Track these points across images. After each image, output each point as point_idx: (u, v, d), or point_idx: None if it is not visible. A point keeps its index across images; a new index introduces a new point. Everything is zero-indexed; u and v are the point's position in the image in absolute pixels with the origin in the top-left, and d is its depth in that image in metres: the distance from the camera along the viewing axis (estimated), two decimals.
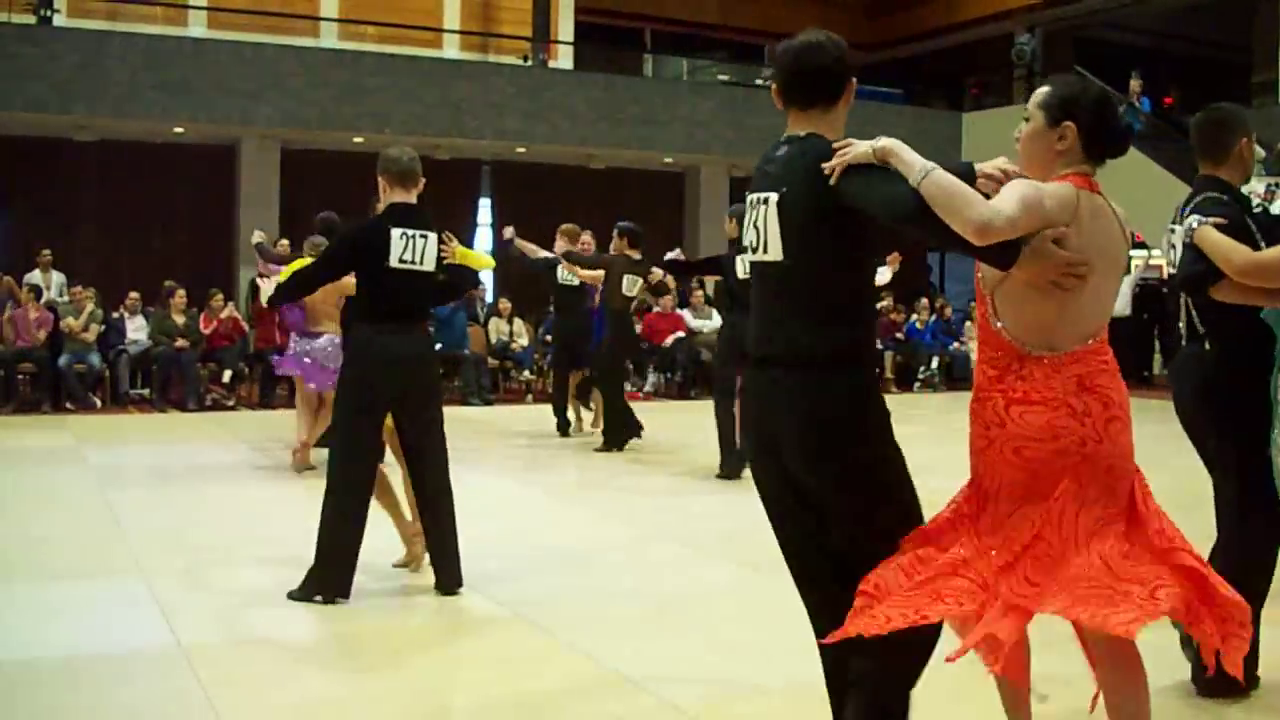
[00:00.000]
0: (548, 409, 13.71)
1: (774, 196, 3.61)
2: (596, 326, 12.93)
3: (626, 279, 12.04)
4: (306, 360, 10.18)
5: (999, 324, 3.54)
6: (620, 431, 12.13)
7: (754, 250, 3.72)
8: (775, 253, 3.62)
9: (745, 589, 6.83)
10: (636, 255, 12.15)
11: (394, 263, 6.35)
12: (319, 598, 6.29)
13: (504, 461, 11.75)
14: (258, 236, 12.74)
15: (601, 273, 12.13)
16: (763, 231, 3.66)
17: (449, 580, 6.53)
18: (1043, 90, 3.69)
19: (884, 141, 3.42)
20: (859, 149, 3.45)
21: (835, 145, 3.52)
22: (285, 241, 15.82)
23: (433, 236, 6.51)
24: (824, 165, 3.48)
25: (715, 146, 22.16)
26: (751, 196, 3.72)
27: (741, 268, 9.72)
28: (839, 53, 3.71)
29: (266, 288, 7.46)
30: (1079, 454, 3.42)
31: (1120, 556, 3.38)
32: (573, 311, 13.25)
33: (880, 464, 3.60)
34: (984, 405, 3.56)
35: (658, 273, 12.03)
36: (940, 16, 26.33)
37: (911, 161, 3.35)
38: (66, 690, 5.10)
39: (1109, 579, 3.32)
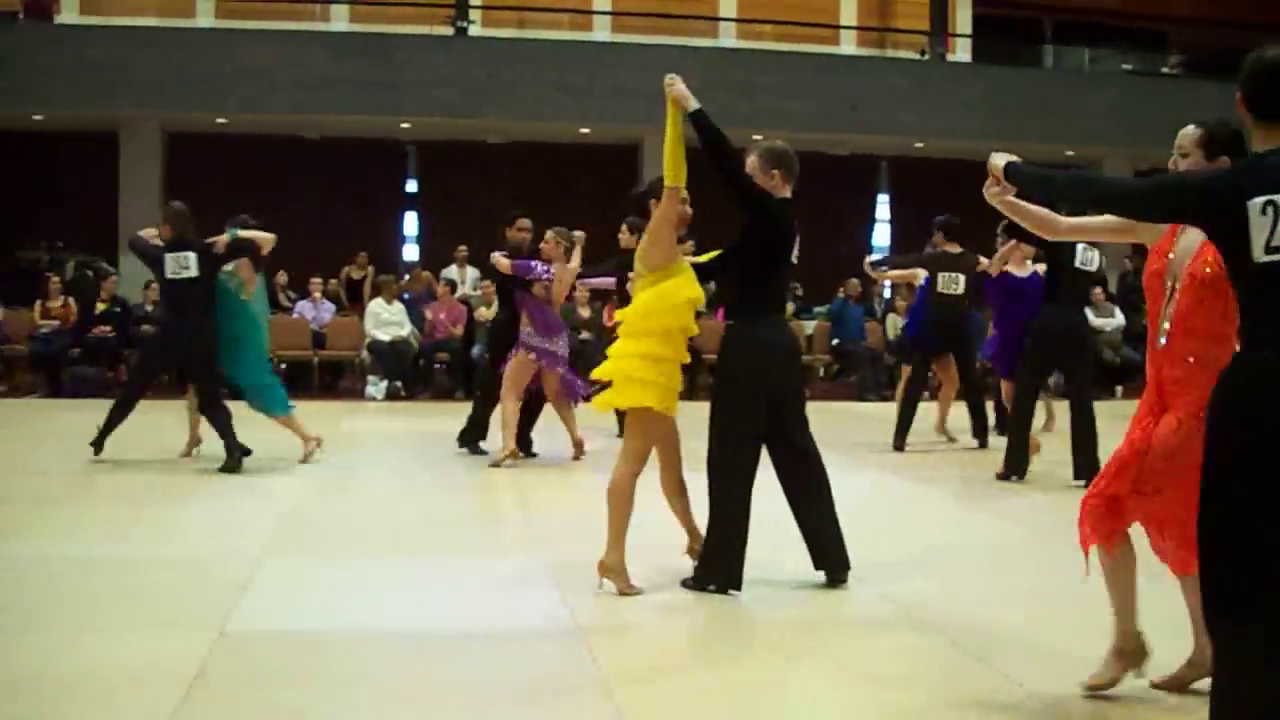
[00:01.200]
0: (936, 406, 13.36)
1: None
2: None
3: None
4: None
5: None
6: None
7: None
8: None
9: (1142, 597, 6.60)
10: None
11: (793, 257, 6.45)
12: (712, 587, 6.40)
13: (897, 458, 11.71)
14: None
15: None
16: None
17: (835, 566, 6.56)
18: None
19: None
20: None
21: None
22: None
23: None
24: None
25: (1117, 138, 21.40)
26: (1259, 200, 3.55)
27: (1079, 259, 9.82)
28: None
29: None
30: None
31: None
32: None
33: None
34: None
35: None
36: None
37: None
38: (469, 662, 5.38)
39: None
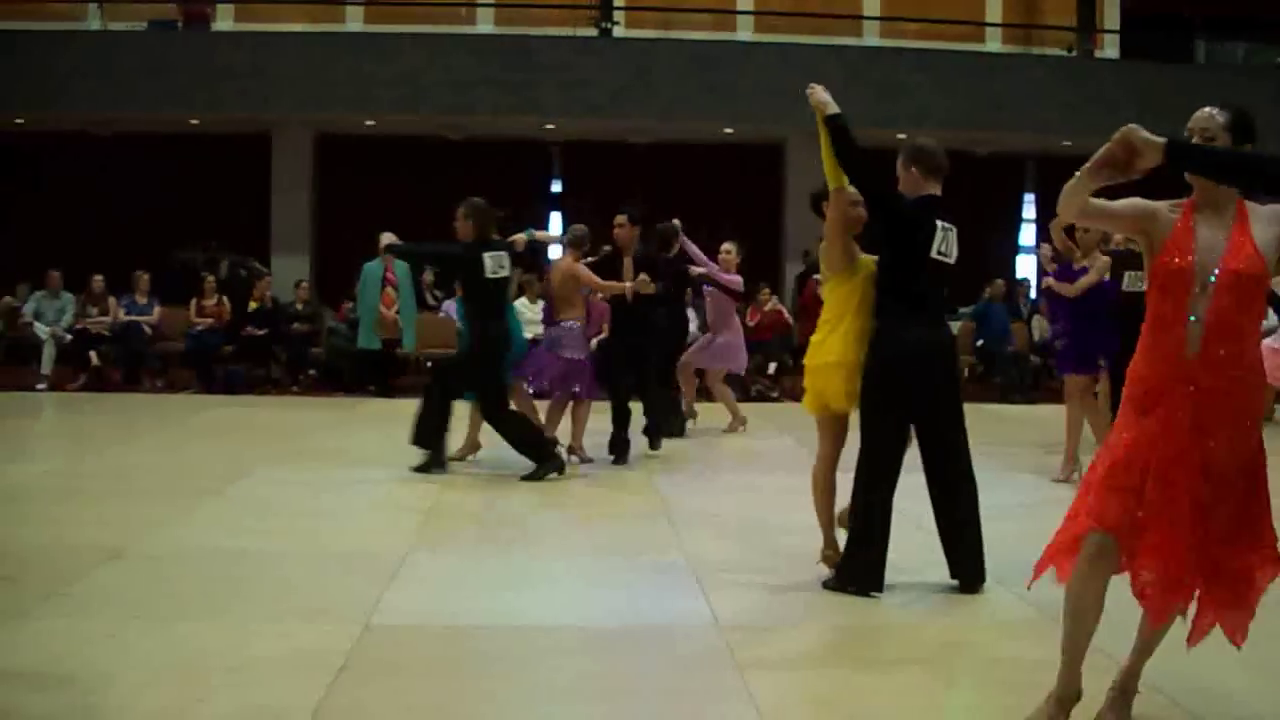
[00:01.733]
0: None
1: None
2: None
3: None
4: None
5: None
6: None
7: None
8: None
9: None
10: None
11: (934, 254, 6.39)
12: (852, 589, 6.41)
13: (1040, 460, 11.57)
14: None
15: None
16: None
17: (971, 576, 6.53)
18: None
19: None
20: None
21: None
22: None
23: (954, 230, 6.49)
24: None
25: (1273, 135, 20.81)
26: None
27: None
28: None
29: None
30: None
31: None
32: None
33: None
34: None
35: None
36: None
37: None
38: (608, 656, 5.48)
39: None
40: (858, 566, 6.44)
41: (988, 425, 12.65)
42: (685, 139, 20.74)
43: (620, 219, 11.07)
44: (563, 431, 10.79)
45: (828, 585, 6.51)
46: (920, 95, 19.46)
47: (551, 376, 10.53)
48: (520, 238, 10.45)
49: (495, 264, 9.94)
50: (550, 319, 10.93)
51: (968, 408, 6.68)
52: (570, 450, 10.67)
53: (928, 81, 19.58)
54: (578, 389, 10.54)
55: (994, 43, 21.65)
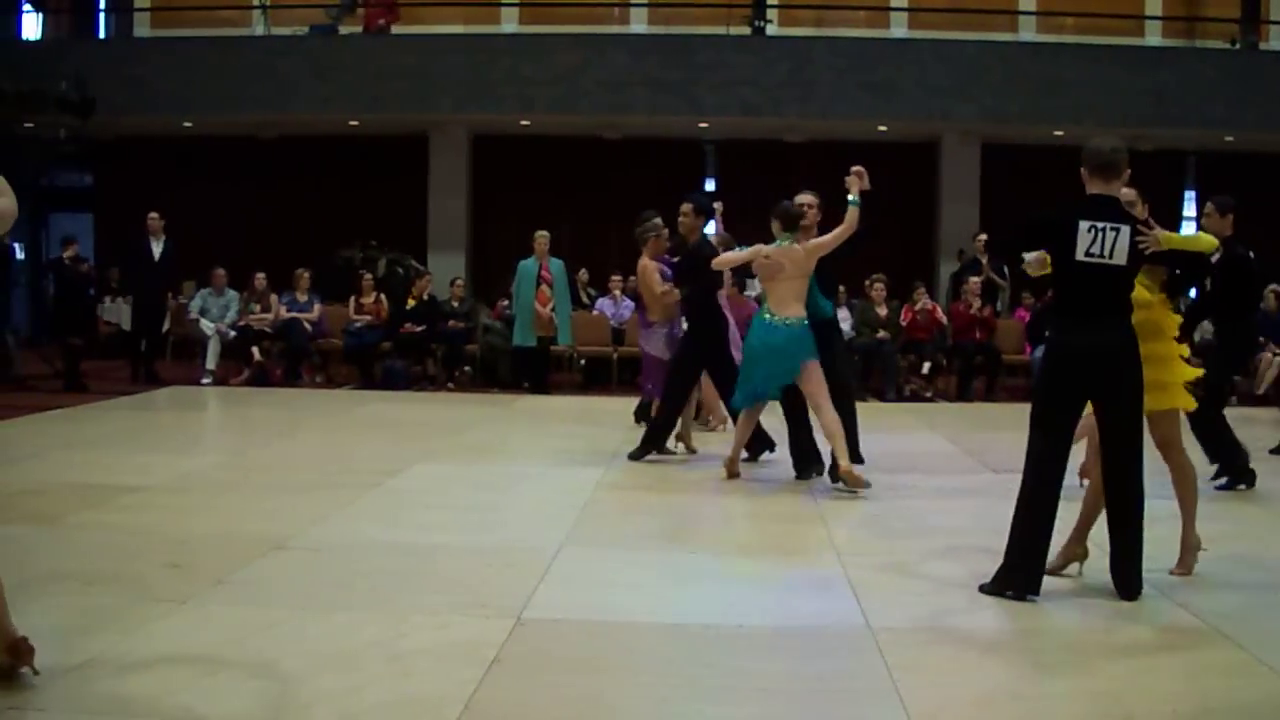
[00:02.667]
0: None
1: None
2: None
3: None
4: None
5: None
6: None
7: None
8: None
9: None
10: None
11: (1080, 256, 6.28)
12: (1010, 593, 6.32)
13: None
14: None
15: None
16: None
17: (1128, 585, 6.39)
18: None
19: None
20: None
21: None
22: None
23: (1125, 229, 6.29)
24: None
25: None
26: None
27: None
28: None
29: None
30: None
31: None
32: None
33: None
34: None
35: None
36: None
37: None
38: (759, 656, 5.47)
39: None
40: (1016, 570, 6.35)
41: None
42: (839, 137, 20.64)
43: (685, 208, 10.80)
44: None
45: (985, 589, 6.42)
46: (1080, 91, 19.14)
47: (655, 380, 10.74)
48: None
49: None
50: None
51: None
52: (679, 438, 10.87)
53: (1088, 77, 19.25)
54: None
55: (1154, 36, 21.21)
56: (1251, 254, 9.85)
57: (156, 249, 17.58)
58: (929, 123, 19.86)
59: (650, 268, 10.93)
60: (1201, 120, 19.64)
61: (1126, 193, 6.65)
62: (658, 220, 11.34)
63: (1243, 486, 9.72)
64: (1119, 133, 9.07)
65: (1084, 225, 6.26)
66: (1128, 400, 6.40)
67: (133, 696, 4.70)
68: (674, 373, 10.72)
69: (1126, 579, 6.42)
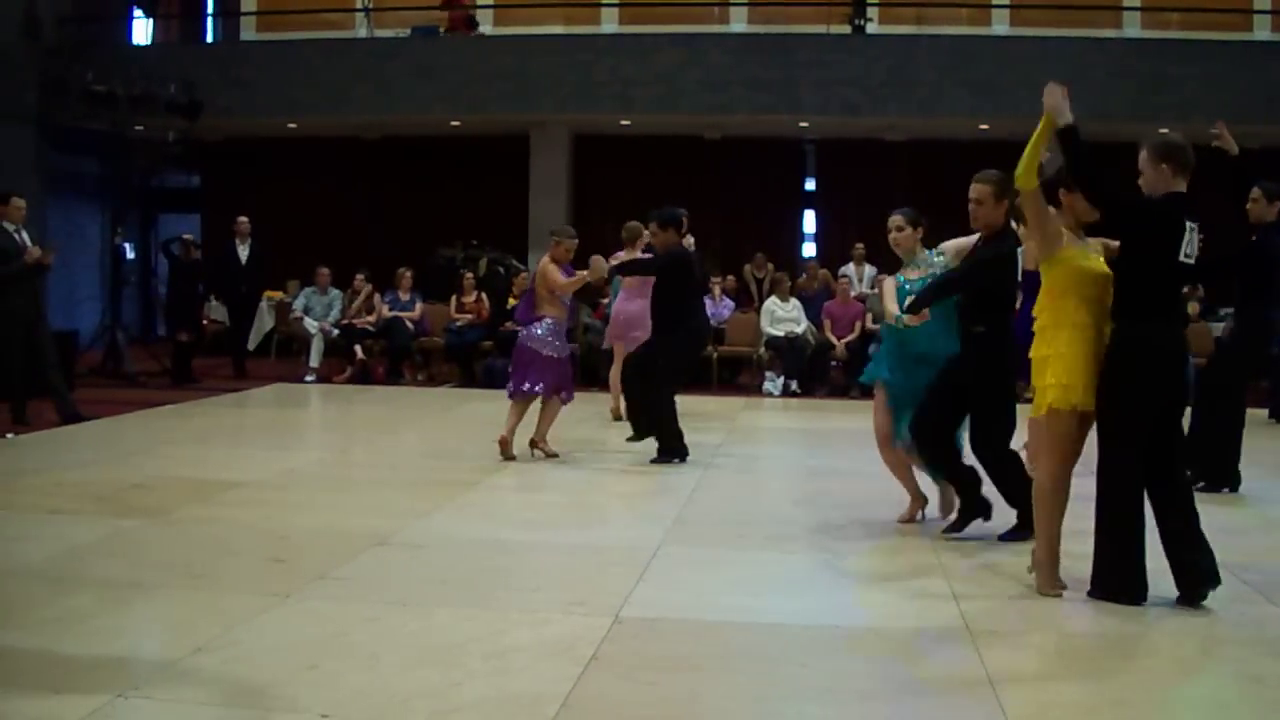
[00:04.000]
0: None
1: None
2: None
3: None
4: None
5: None
6: None
7: None
8: None
9: None
10: None
11: (1181, 257, 6.18)
12: (1123, 599, 6.17)
13: None
14: None
15: None
16: None
17: (1191, 587, 6.22)
18: None
19: None
20: None
21: None
22: None
23: (1196, 229, 6.25)
24: None
25: None
26: None
27: None
28: None
29: None
30: None
31: None
32: None
33: None
34: None
35: None
36: None
37: None
38: (857, 657, 5.48)
39: None
40: (1111, 573, 6.25)
41: (1257, 433, 12.24)
42: (941, 135, 20.48)
43: (651, 226, 11.50)
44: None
45: (1093, 594, 6.32)
46: (1187, 88, 18.81)
47: None
48: None
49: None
50: None
51: None
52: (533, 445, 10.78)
53: (1194, 73, 18.93)
54: None
55: (1263, 31, 20.80)
56: None
57: (243, 252, 17.92)
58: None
59: (551, 267, 11.08)
60: None
61: None
62: (569, 229, 11.74)
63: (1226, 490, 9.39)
64: (1230, 130, 8.90)
65: (1189, 225, 6.19)
66: (1187, 397, 6.46)
67: (237, 687, 4.80)
68: (659, 384, 10.74)
69: (1205, 571, 6.23)
